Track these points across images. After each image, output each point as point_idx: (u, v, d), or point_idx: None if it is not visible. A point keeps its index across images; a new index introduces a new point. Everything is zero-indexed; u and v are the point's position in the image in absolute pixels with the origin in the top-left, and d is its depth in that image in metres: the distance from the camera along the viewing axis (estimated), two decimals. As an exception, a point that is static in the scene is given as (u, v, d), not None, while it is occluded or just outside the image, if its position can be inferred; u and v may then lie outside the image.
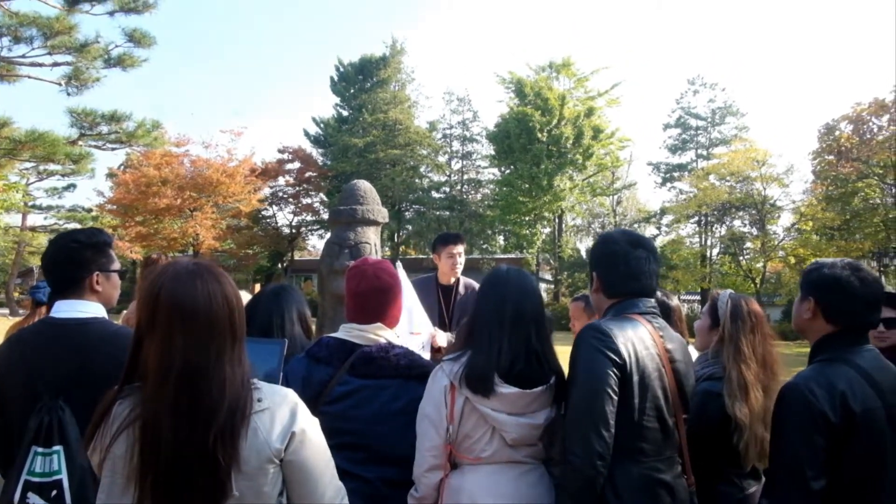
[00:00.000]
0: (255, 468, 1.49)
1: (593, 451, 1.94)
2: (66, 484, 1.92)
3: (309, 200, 40.58)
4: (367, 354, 2.28)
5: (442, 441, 2.11)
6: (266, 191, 38.28)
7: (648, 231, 39.50)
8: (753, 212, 31.51)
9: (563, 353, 2.07)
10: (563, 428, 2.08)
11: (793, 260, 28.96)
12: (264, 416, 1.52)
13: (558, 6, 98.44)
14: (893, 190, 27.66)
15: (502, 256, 37.73)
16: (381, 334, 2.34)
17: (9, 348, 2.18)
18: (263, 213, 40.10)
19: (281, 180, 39.71)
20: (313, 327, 3.02)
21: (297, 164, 39.65)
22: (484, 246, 41.51)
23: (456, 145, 42.76)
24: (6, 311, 30.84)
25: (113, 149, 14.12)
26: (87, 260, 2.21)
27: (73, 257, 2.20)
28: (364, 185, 5.22)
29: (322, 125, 41.97)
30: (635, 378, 2.04)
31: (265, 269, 41.90)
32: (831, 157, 29.03)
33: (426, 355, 3.51)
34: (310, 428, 1.59)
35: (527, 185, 33.17)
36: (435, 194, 41.07)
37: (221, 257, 35.92)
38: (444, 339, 3.88)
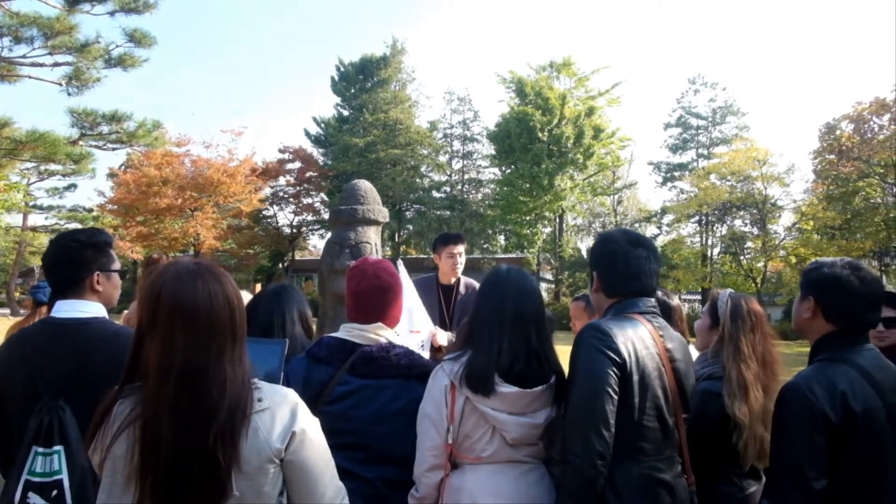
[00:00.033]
0: (256, 468, 1.49)
1: (593, 451, 1.94)
2: (66, 484, 1.92)
3: (310, 200, 40.62)
4: (368, 354, 2.28)
5: (442, 441, 2.11)
6: (267, 191, 38.31)
7: (649, 231, 39.51)
8: (754, 211, 31.51)
9: (564, 352, 2.07)
10: (564, 427, 2.08)
11: (794, 259, 28.96)
12: (265, 415, 1.52)
13: (558, 6, 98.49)
14: (894, 189, 27.64)
15: (503, 256, 37.73)
16: (381, 334, 2.34)
17: (9, 348, 2.18)
18: (264, 212, 40.11)
19: (282, 180, 39.76)
20: (314, 327, 3.02)
21: (297, 164, 39.67)
22: (485, 246, 41.53)
23: (456, 145, 42.79)
24: (7, 311, 30.85)
25: (114, 149, 14.13)
26: (88, 260, 2.21)
27: (74, 257, 2.20)
28: (364, 185, 5.23)
29: (323, 125, 41.99)
30: (635, 377, 2.04)
31: (266, 268, 41.92)
32: (832, 157, 29.04)
33: (425, 354, 3.51)
34: (310, 428, 1.59)
35: (527, 185, 33.18)
36: (436, 194, 41.07)
37: (222, 257, 35.94)
38: (444, 338, 3.89)
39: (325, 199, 39.07)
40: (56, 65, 12.40)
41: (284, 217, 41.70)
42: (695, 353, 2.87)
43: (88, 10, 12.09)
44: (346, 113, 41.10)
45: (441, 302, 4.48)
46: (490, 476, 2.12)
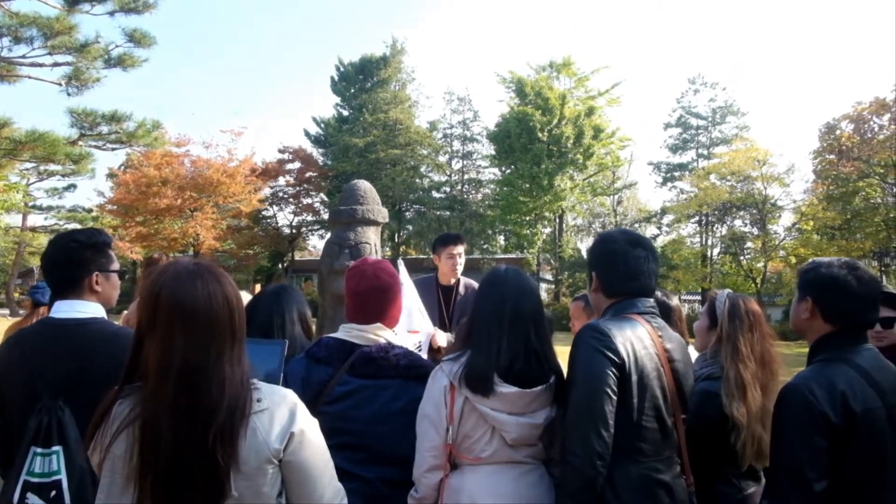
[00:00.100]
0: (254, 468, 1.49)
1: (593, 451, 1.94)
2: (65, 484, 1.92)
3: (309, 200, 40.62)
4: (367, 354, 2.28)
5: (442, 441, 2.11)
6: (266, 191, 38.32)
7: (649, 231, 39.51)
8: (754, 211, 31.52)
9: (564, 353, 2.07)
10: (563, 428, 2.08)
11: (794, 260, 28.95)
12: (263, 416, 1.52)
13: (558, 6, 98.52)
14: (894, 189, 27.65)
15: (503, 256, 37.73)
16: (380, 334, 2.34)
17: (8, 348, 2.18)
18: (264, 213, 40.12)
19: (281, 180, 39.77)
20: (314, 328, 3.01)
21: (297, 164, 39.68)
22: (484, 246, 41.52)
23: (456, 145, 42.79)
24: (6, 311, 30.85)
25: (113, 149, 14.15)
26: (87, 260, 2.21)
27: (73, 257, 2.20)
28: (364, 185, 5.23)
29: (322, 125, 41.98)
30: (634, 378, 2.04)
31: (265, 269, 41.92)
32: (832, 157, 29.05)
33: (423, 355, 3.50)
34: (309, 428, 1.59)
35: (527, 185, 33.18)
36: (435, 194, 41.07)
37: (222, 257, 35.93)
38: (443, 339, 3.88)
39: (325, 199, 39.08)
40: (56, 65, 12.42)
41: (284, 217, 41.78)
42: (694, 354, 2.87)
43: (88, 11, 12.11)
44: (345, 113, 41.10)
45: (441, 302, 4.48)
46: (490, 476, 2.11)
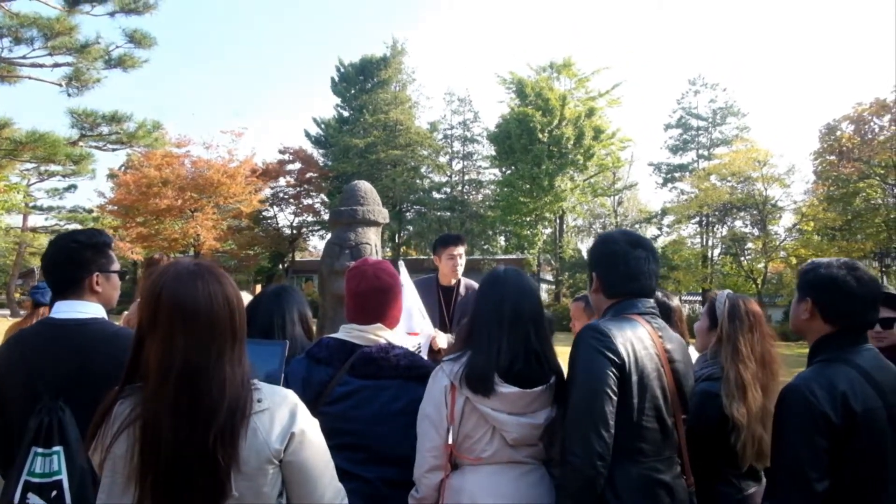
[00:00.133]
0: (255, 468, 1.49)
1: (593, 452, 1.94)
2: (66, 484, 1.92)
3: (310, 201, 40.64)
4: (368, 355, 2.28)
5: (442, 441, 2.11)
6: (267, 191, 38.34)
7: (649, 232, 39.49)
8: (755, 212, 31.51)
9: (564, 353, 2.07)
10: (563, 428, 2.08)
11: (794, 260, 28.93)
12: (264, 416, 1.52)
13: (558, 6, 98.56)
14: (895, 190, 27.64)
15: (503, 257, 37.71)
16: (381, 335, 2.34)
17: (9, 349, 2.19)
18: (264, 213, 40.14)
19: (282, 181, 39.78)
20: (314, 328, 3.01)
21: (297, 165, 39.70)
22: (485, 247, 41.50)
23: (457, 146, 42.77)
24: (7, 311, 30.86)
25: (114, 149, 14.14)
26: (87, 260, 2.21)
27: (73, 258, 2.20)
28: (364, 186, 5.23)
29: (323, 126, 41.98)
30: (634, 378, 2.04)
31: (266, 269, 41.94)
32: (832, 158, 29.05)
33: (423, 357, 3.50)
34: (309, 429, 1.60)
35: (528, 186, 33.17)
36: (436, 195, 41.05)
37: (222, 258, 35.94)
38: (444, 340, 3.88)
39: (326, 199, 39.09)
40: (56, 65, 12.41)
41: (284, 218, 41.81)
42: (695, 355, 2.87)
43: (88, 11, 12.09)
44: (346, 114, 41.10)
45: (441, 303, 4.48)
46: (490, 477, 2.12)
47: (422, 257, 36.84)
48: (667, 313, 2.76)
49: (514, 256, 36.75)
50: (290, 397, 1.62)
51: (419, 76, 63.71)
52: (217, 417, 1.43)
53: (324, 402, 2.22)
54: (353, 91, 40.59)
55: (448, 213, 39.76)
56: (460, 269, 4.51)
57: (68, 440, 1.94)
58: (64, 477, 1.92)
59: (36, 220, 36.14)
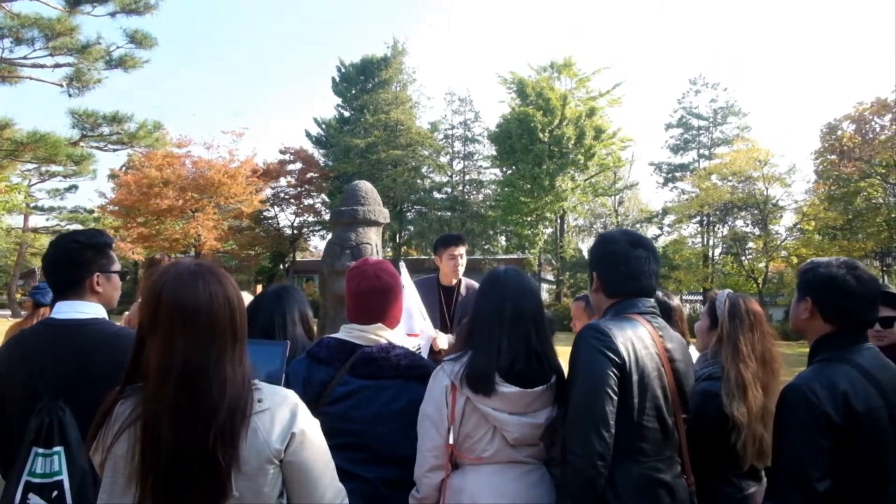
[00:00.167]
0: (255, 468, 1.49)
1: (594, 451, 1.94)
2: (66, 485, 1.92)
3: (310, 201, 40.65)
4: (368, 355, 2.28)
5: (443, 441, 2.11)
6: (268, 192, 38.34)
7: (650, 231, 39.51)
8: (756, 212, 31.49)
9: (565, 353, 2.08)
10: (564, 428, 2.08)
11: (795, 260, 28.90)
12: (264, 416, 1.52)
13: (559, 6, 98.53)
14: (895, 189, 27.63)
15: (504, 257, 37.71)
16: (381, 335, 2.34)
17: (9, 349, 2.19)
18: (265, 213, 40.14)
19: (282, 181, 39.78)
20: (315, 328, 3.02)
21: (298, 165, 39.70)
22: (486, 246, 41.48)
23: (457, 146, 42.74)
24: (8, 312, 30.88)
25: (114, 150, 14.14)
26: (88, 261, 2.21)
27: (74, 258, 2.20)
28: (365, 186, 5.23)
29: (323, 126, 41.97)
30: (635, 378, 2.04)
31: (267, 269, 41.95)
32: (833, 157, 29.01)
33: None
34: (310, 429, 1.60)
35: (528, 186, 33.15)
36: (437, 195, 41.03)
37: (223, 258, 35.95)
38: (444, 341, 3.88)
39: (326, 200, 39.09)
40: (57, 66, 12.41)
41: (285, 218, 41.83)
42: (695, 355, 2.87)
43: (89, 12, 12.09)
44: (346, 114, 41.09)
45: (442, 303, 4.48)
46: (491, 476, 2.12)
47: (423, 257, 36.84)
48: (667, 313, 2.76)
49: (514, 256, 36.74)
50: (291, 397, 1.62)
51: (420, 76, 63.86)
52: (217, 417, 1.43)
53: (324, 402, 2.22)
54: (353, 91, 40.58)
55: (449, 213, 39.74)
56: (461, 270, 4.51)
57: (69, 440, 1.94)
58: (65, 477, 1.92)
59: (37, 220, 36.25)
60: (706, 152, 39.17)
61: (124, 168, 37.73)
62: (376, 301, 2.37)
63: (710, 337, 2.75)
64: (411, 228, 41.41)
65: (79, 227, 31.14)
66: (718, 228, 35.57)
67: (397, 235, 40.50)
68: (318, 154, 41.63)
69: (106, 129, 13.14)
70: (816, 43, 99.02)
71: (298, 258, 44.16)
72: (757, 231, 32.13)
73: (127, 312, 4.92)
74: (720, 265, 35.49)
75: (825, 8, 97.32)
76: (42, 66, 12.38)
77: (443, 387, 2.15)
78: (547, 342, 2.21)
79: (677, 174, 40.08)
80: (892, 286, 3.01)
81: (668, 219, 38.80)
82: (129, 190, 33.06)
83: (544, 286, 35.80)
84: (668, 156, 41.17)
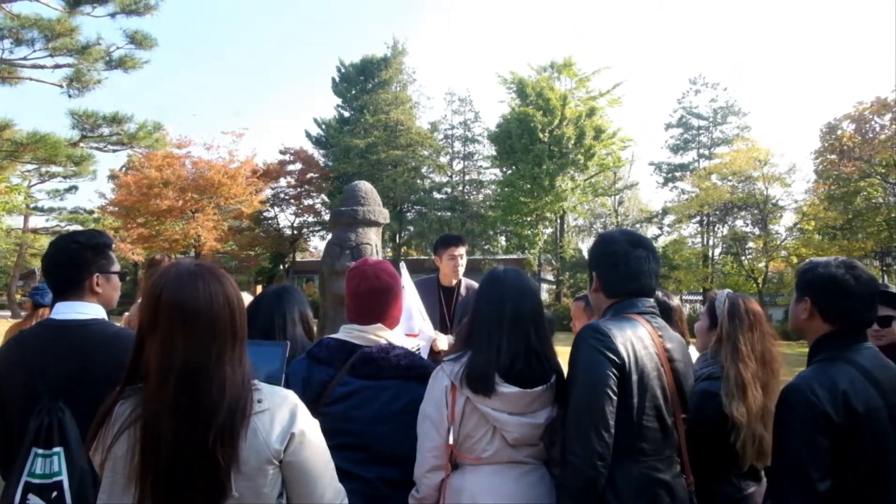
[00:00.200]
0: (255, 469, 1.49)
1: (594, 452, 1.94)
2: (66, 485, 1.92)
3: (310, 201, 40.65)
4: (368, 355, 2.28)
5: (443, 441, 2.11)
6: (267, 192, 38.34)
7: (650, 231, 39.51)
8: (755, 211, 31.51)
9: (565, 353, 2.08)
10: (564, 428, 2.08)
11: (795, 260, 28.91)
12: (264, 416, 1.52)
13: (559, 6, 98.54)
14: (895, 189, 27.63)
15: (504, 257, 37.71)
16: (381, 335, 2.34)
17: (9, 350, 2.19)
18: (265, 214, 40.14)
19: (282, 181, 39.78)
20: (315, 328, 3.01)
21: (298, 166, 39.71)
22: (486, 247, 41.48)
23: (457, 146, 42.76)
24: (8, 313, 30.88)
25: (114, 150, 14.13)
26: (87, 261, 2.21)
27: (74, 259, 2.20)
28: (365, 187, 5.23)
29: (323, 126, 41.98)
30: (634, 378, 2.04)
31: (267, 270, 41.95)
32: (833, 157, 29.04)
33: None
34: (309, 429, 1.60)
35: (528, 186, 33.17)
36: (436, 195, 41.05)
37: (223, 258, 35.94)
38: (444, 342, 3.87)
39: (326, 200, 39.09)
40: (57, 67, 12.40)
41: (285, 218, 41.84)
42: (695, 354, 2.87)
43: (89, 12, 12.07)
44: (346, 114, 41.10)
45: (442, 303, 4.48)
46: (491, 477, 2.12)
47: (422, 257, 36.83)
48: (667, 313, 2.76)
49: (514, 256, 36.74)
50: (291, 398, 1.62)
51: (420, 76, 63.91)
52: (217, 417, 1.43)
53: (324, 403, 2.22)
54: (353, 91, 40.58)
55: (449, 214, 39.74)
56: (461, 270, 4.51)
57: (68, 441, 1.94)
58: (64, 478, 1.92)
59: (37, 221, 36.21)
60: (706, 152, 39.18)
61: (124, 169, 37.72)
62: (376, 301, 2.36)
63: (709, 337, 2.75)
64: (411, 229, 41.42)
65: (79, 227, 31.14)
66: (718, 228, 35.59)
67: (397, 236, 40.50)
68: (317, 154, 41.64)
69: (106, 130, 13.14)
70: (816, 42, 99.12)
71: (298, 258, 44.16)
72: (757, 231, 32.15)
73: (127, 313, 4.92)
74: (720, 265, 35.50)
75: (825, 7, 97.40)
76: (42, 67, 12.38)
77: (443, 387, 2.14)
78: (547, 342, 2.21)
79: (677, 174, 40.09)
80: (892, 286, 3.01)
81: (668, 219, 38.82)
82: (129, 191, 33.05)
83: (544, 286, 35.80)
84: (668, 156, 41.25)
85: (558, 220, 36.72)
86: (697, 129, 39.98)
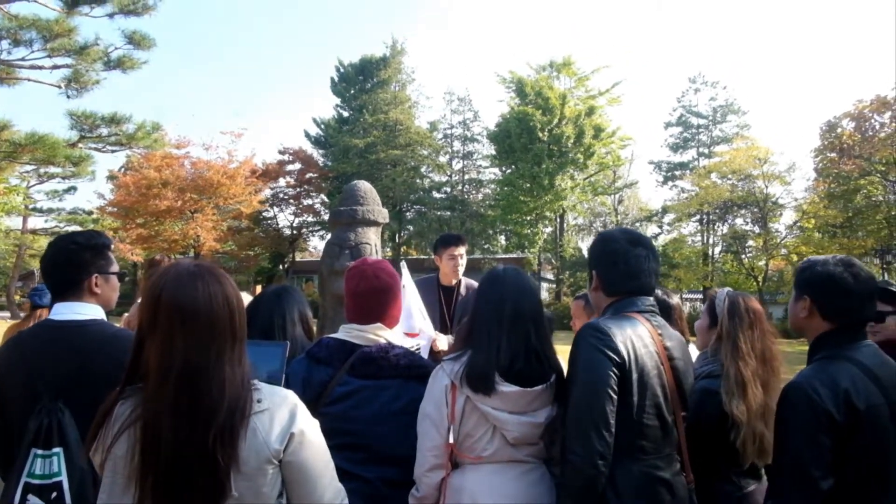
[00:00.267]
0: (254, 469, 1.49)
1: (594, 451, 1.94)
2: (65, 486, 1.92)
3: (310, 201, 40.64)
4: (367, 355, 2.28)
5: (443, 440, 2.11)
6: (267, 192, 38.33)
7: (650, 230, 39.53)
8: (755, 210, 31.52)
9: (565, 352, 2.08)
10: (564, 427, 2.08)
11: (795, 258, 28.95)
12: (264, 416, 1.52)
13: (558, 6, 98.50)
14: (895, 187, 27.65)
15: (504, 256, 37.75)
16: (380, 334, 2.34)
17: (8, 350, 2.19)
18: (264, 214, 40.14)
19: (282, 181, 39.78)
20: (314, 328, 3.01)
21: (297, 166, 39.70)
22: (485, 246, 41.53)
23: (457, 145, 42.82)
24: (7, 314, 30.87)
25: (113, 151, 14.12)
26: (86, 262, 2.21)
27: (72, 259, 2.20)
28: (364, 186, 5.23)
29: (322, 126, 41.98)
30: (634, 376, 2.04)
31: (266, 270, 41.95)
32: (833, 155, 29.08)
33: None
34: (309, 429, 1.60)
35: (528, 185, 33.18)
36: (436, 194, 41.08)
37: (222, 259, 35.94)
38: (444, 342, 3.87)
39: (326, 200, 39.09)
40: (55, 67, 12.38)
41: (284, 218, 41.81)
42: (695, 353, 2.87)
43: (87, 13, 12.05)
44: (345, 114, 41.10)
45: (442, 303, 4.48)
46: (491, 476, 2.11)
47: (422, 257, 36.83)
48: (666, 311, 2.76)
49: (514, 255, 36.78)
50: (290, 398, 1.62)
51: (419, 76, 63.82)
52: (217, 417, 1.43)
53: (324, 403, 2.22)
54: (352, 91, 40.59)
55: (448, 213, 39.77)
56: (461, 269, 4.51)
57: (68, 441, 1.94)
58: (64, 478, 1.92)
59: (36, 222, 36.21)
60: (706, 151, 39.21)
61: (123, 169, 37.71)
62: (375, 301, 2.36)
63: (709, 335, 2.75)
64: (411, 228, 41.45)
65: (77, 228, 31.12)
66: (718, 227, 35.62)
67: (396, 235, 40.53)
68: (317, 154, 41.64)
69: (104, 131, 13.13)
70: (816, 41, 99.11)
71: (298, 258, 44.16)
72: (757, 229, 32.17)
73: (126, 314, 4.92)
74: (720, 263, 35.52)
75: (824, 6, 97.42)
76: (40, 68, 12.36)
77: (442, 386, 2.14)
78: (546, 341, 2.21)
79: (677, 173, 40.12)
80: (894, 283, 3.01)
81: (668, 217, 38.82)
82: (128, 191, 33.04)
83: (544, 285, 35.82)
84: (668, 154, 41.27)
85: (558, 219, 36.73)
86: (697, 127, 40.00)
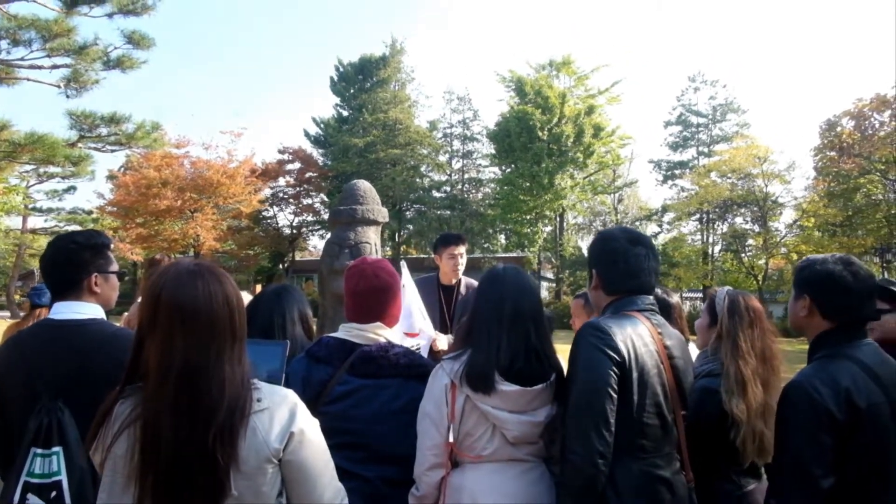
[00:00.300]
0: (254, 468, 1.49)
1: (594, 450, 1.94)
2: (65, 485, 1.92)
3: (309, 201, 40.64)
4: (367, 354, 2.28)
5: (443, 440, 2.11)
6: (266, 191, 38.34)
7: (650, 229, 39.50)
8: (755, 209, 31.52)
9: (565, 351, 2.08)
10: (564, 426, 2.08)
11: (795, 257, 28.97)
12: (263, 416, 1.52)
13: (558, 5, 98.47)
14: (895, 185, 27.63)
15: (504, 255, 37.73)
16: (380, 333, 2.34)
17: (8, 349, 2.19)
18: (264, 213, 40.15)
19: (281, 181, 39.78)
20: (314, 327, 3.01)
21: (297, 165, 39.70)
22: (485, 245, 41.52)
23: (456, 144, 42.78)
24: (7, 313, 30.86)
25: (113, 151, 14.11)
26: (86, 261, 2.21)
27: (72, 259, 2.20)
28: (364, 185, 5.23)
29: (322, 125, 41.98)
30: (634, 375, 2.04)
31: (266, 269, 41.95)
32: (833, 154, 29.08)
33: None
34: (309, 428, 1.59)
35: (528, 184, 33.18)
36: (436, 194, 41.07)
37: (222, 258, 35.95)
38: (444, 342, 3.87)
39: (325, 199, 39.09)
40: (54, 67, 12.37)
41: (284, 218, 41.81)
42: (695, 352, 2.86)
43: (86, 13, 12.04)
44: (345, 113, 41.10)
45: (442, 302, 4.48)
46: (491, 475, 2.11)
47: (422, 256, 36.83)
48: (666, 310, 2.76)
49: (514, 254, 36.78)
50: (290, 397, 1.62)
51: (418, 75, 63.85)
52: (217, 417, 1.43)
53: (324, 402, 2.22)
54: (352, 90, 40.59)
55: (448, 212, 39.76)
56: (461, 269, 4.51)
57: (68, 441, 1.94)
58: (63, 477, 1.92)
59: (35, 221, 36.16)
60: (705, 149, 39.17)
61: (123, 169, 37.72)
62: (375, 300, 2.36)
63: (709, 334, 2.75)
64: (410, 227, 41.44)
65: (77, 228, 31.12)
66: (718, 225, 35.60)
67: (396, 234, 40.53)
68: (316, 153, 41.63)
69: (104, 130, 13.12)
70: (815, 39, 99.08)
71: (297, 258, 44.16)
72: (756, 228, 32.17)
73: (126, 313, 4.92)
74: (720, 262, 35.52)
75: (824, 4, 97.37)
76: (40, 68, 12.35)
77: (442, 385, 2.14)
78: (546, 340, 2.21)
79: (676, 171, 40.08)
80: (893, 281, 3.01)
81: (668, 216, 38.79)
82: (128, 191, 33.04)
83: (544, 284, 35.82)
84: (668, 153, 41.20)
85: (558, 218, 36.73)
86: (697, 126, 39.96)
